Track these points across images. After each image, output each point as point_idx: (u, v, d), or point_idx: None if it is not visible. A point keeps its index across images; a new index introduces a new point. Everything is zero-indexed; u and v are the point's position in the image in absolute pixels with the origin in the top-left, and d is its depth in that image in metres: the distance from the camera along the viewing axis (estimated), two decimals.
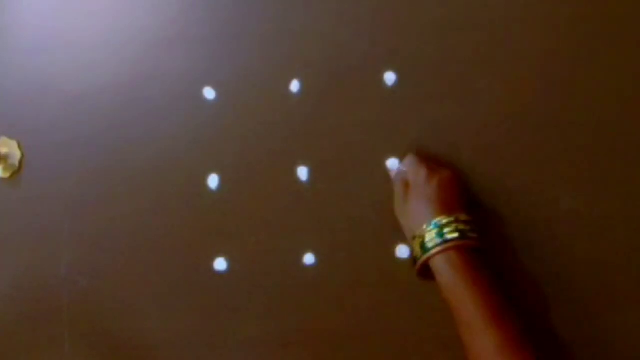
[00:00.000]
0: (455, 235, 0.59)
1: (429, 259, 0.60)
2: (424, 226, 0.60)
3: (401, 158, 0.69)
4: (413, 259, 0.63)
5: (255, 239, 0.71)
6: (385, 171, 0.69)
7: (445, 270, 0.58)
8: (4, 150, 0.77)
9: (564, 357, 0.65)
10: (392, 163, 0.69)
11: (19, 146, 0.77)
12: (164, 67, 0.75)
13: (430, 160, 0.66)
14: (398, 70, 0.70)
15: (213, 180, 0.73)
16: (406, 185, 0.65)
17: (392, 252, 0.68)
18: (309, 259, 0.70)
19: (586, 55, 0.67)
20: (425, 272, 0.61)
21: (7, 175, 0.77)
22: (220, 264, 0.72)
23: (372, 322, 0.68)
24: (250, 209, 0.72)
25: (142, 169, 0.74)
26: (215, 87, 0.73)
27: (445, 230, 0.59)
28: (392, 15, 0.71)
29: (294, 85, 0.72)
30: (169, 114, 0.74)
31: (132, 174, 0.74)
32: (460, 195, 0.64)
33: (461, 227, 0.60)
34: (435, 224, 0.60)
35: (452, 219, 0.60)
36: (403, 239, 0.67)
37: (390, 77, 0.70)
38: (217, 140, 0.73)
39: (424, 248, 0.60)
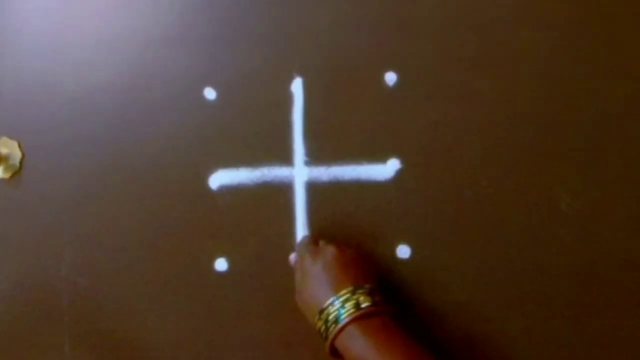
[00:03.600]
0: (350, 311, 0.55)
1: (332, 344, 0.56)
2: (316, 317, 0.58)
3: (402, 158, 0.69)
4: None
5: (255, 239, 0.71)
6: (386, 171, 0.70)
7: (347, 350, 0.55)
8: (5, 150, 0.77)
9: (564, 357, 0.65)
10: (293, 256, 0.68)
11: (20, 146, 0.77)
12: (164, 67, 0.75)
13: (328, 238, 0.65)
14: (399, 71, 0.70)
15: (214, 181, 0.73)
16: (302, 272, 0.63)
17: (393, 253, 0.69)
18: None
19: (586, 55, 0.68)
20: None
21: (7, 175, 0.77)
22: (220, 264, 0.72)
23: None
24: (251, 209, 0.72)
25: (143, 170, 0.74)
26: (216, 87, 0.73)
27: (337, 312, 0.56)
28: (393, 15, 0.71)
29: (295, 86, 0.72)
30: (170, 114, 0.74)
31: (133, 174, 0.74)
32: (352, 267, 0.60)
33: (352, 301, 0.56)
34: (327, 308, 0.57)
35: (344, 295, 0.57)
36: (404, 239, 0.67)
37: (391, 77, 0.70)
38: (217, 140, 0.73)
39: (323, 336, 0.57)
